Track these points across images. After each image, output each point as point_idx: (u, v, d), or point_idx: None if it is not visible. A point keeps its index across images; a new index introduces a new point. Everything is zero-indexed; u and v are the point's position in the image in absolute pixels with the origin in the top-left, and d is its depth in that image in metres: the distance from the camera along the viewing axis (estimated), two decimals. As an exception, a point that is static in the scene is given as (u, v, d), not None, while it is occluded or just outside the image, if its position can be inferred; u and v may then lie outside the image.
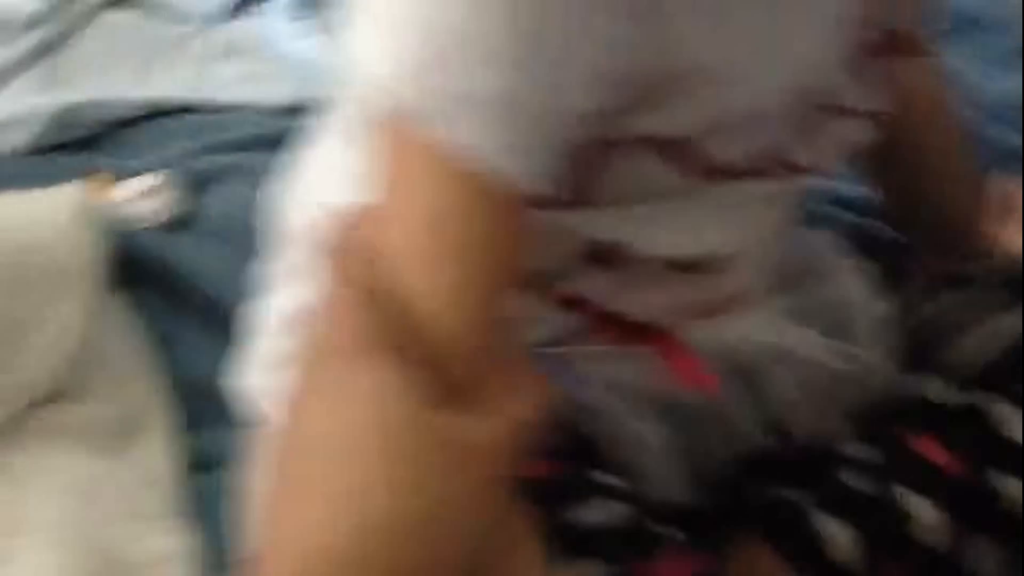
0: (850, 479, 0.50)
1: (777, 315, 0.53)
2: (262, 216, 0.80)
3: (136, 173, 0.89)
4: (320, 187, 0.53)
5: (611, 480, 0.47)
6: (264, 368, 0.56)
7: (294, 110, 1.02)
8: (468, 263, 0.35)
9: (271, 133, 0.97)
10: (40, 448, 0.63)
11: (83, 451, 0.63)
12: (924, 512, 0.49)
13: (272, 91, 1.05)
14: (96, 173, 0.88)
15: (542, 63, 0.33)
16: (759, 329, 0.51)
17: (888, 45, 0.45)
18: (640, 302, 0.48)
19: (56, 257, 0.71)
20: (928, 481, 0.49)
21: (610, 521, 0.46)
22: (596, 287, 0.46)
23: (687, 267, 0.46)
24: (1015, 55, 0.90)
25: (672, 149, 0.40)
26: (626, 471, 0.48)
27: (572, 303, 0.47)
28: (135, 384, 0.70)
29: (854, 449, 0.52)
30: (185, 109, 1.03)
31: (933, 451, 0.50)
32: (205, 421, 0.70)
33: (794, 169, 0.45)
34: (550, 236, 0.41)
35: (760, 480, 0.53)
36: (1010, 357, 0.51)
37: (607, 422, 0.49)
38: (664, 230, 0.44)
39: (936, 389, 0.52)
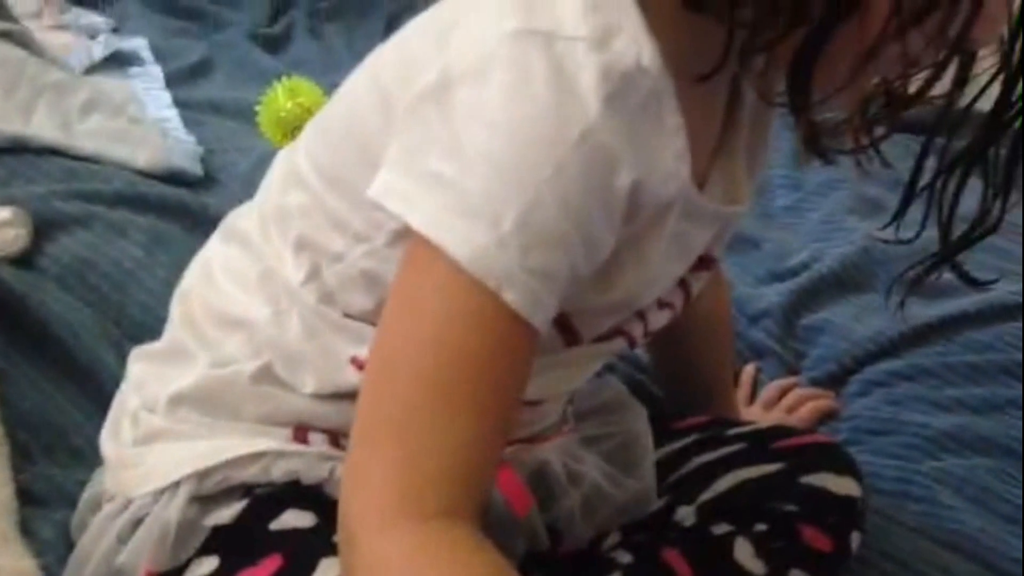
0: (611, 580, 0.62)
1: (577, 442, 0.65)
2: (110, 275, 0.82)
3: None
4: (211, 285, 0.58)
5: None
6: (121, 438, 0.59)
7: (155, 175, 1.08)
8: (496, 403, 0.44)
9: (132, 192, 1.02)
10: None
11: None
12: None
13: (137, 153, 1.10)
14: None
15: (581, 248, 0.45)
16: (563, 454, 0.63)
17: (702, 262, 0.60)
18: None
19: None
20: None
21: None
22: None
23: (531, 403, 0.58)
24: (775, 275, 1.11)
25: (565, 322, 0.53)
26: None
27: None
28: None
29: (618, 555, 0.64)
30: (52, 151, 1.06)
31: (677, 562, 0.63)
32: (30, 455, 0.71)
33: (629, 338, 0.59)
34: None
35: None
36: (745, 499, 0.65)
37: None
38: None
39: (689, 516, 0.66)
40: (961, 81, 0.51)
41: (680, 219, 0.51)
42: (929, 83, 0.47)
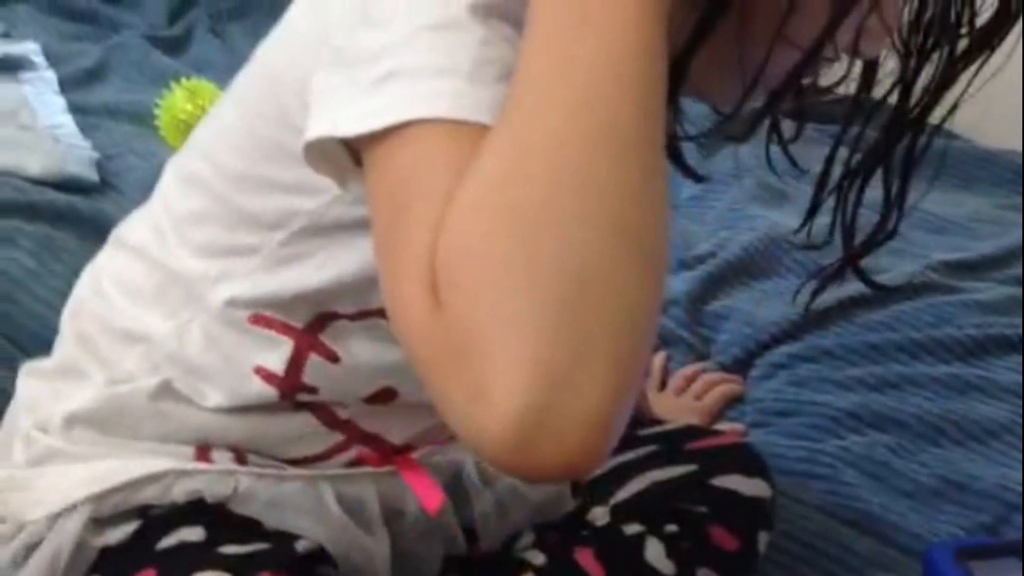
0: (525, 580, 0.63)
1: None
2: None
3: None
4: (104, 299, 0.57)
5: None
6: (13, 460, 0.57)
7: (48, 183, 1.04)
8: None
9: (20, 199, 0.99)
10: None
11: None
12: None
13: (27, 160, 1.07)
14: None
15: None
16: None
17: None
18: (397, 428, 0.58)
19: None
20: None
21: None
22: (362, 412, 0.56)
23: None
24: (683, 263, 1.13)
25: None
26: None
27: (338, 424, 0.56)
28: None
29: (531, 555, 0.65)
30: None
31: (589, 562, 0.64)
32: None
33: None
34: (353, 376, 0.52)
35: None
36: (657, 500, 0.66)
37: (343, 537, 0.57)
38: None
39: (602, 516, 0.66)
40: (866, 84, 0.53)
41: None
42: (829, 88, 0.49)
